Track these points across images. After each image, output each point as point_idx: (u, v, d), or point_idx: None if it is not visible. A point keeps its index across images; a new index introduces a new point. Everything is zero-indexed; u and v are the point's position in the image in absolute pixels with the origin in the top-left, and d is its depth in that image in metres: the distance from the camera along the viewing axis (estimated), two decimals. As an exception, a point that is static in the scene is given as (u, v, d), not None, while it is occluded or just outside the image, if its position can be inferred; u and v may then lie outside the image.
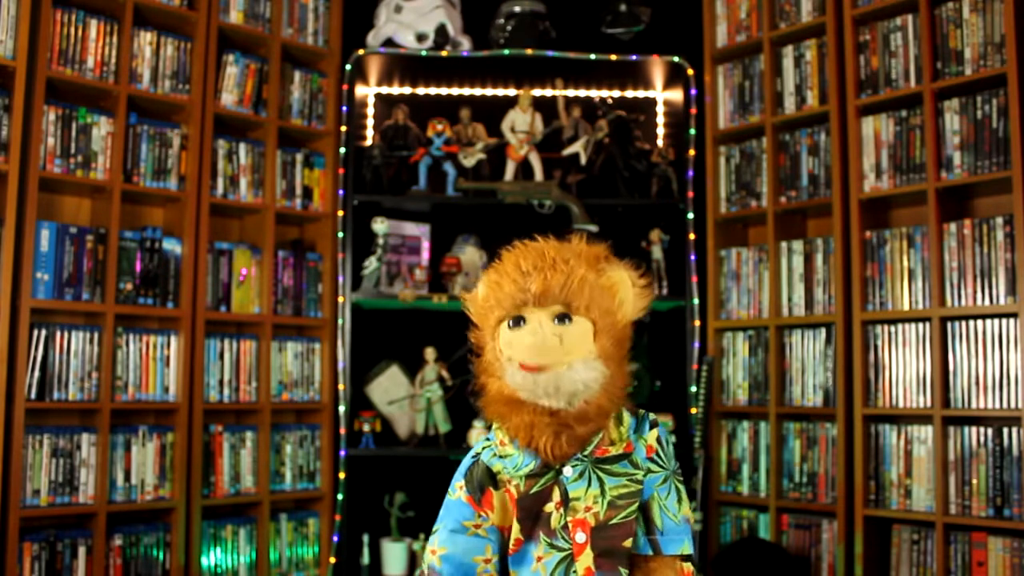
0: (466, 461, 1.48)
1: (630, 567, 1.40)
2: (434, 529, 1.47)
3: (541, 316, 1.36)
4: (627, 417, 1.45)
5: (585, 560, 1.37)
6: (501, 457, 1.44)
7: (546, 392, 1.34)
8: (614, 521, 1.38)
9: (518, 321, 1.37)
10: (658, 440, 1.46)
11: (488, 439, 1.48)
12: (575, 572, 1.38)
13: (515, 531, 1.41)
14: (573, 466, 1.40)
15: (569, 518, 1.38)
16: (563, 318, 1.36)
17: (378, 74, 3.74)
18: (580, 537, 1.38)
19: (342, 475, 3.38)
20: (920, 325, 3.08)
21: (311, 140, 3.68)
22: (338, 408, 3.46)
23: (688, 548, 1.43)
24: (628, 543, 1.38)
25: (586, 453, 1.40)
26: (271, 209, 3.48)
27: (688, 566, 1.45)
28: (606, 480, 1.40)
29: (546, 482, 1.40)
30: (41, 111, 2.97)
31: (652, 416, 1.49)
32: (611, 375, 1.38)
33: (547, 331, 1.35)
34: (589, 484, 1.39)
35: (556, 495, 1.40)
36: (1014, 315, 2.87)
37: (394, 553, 3.42)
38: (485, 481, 1.44)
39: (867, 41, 3.26)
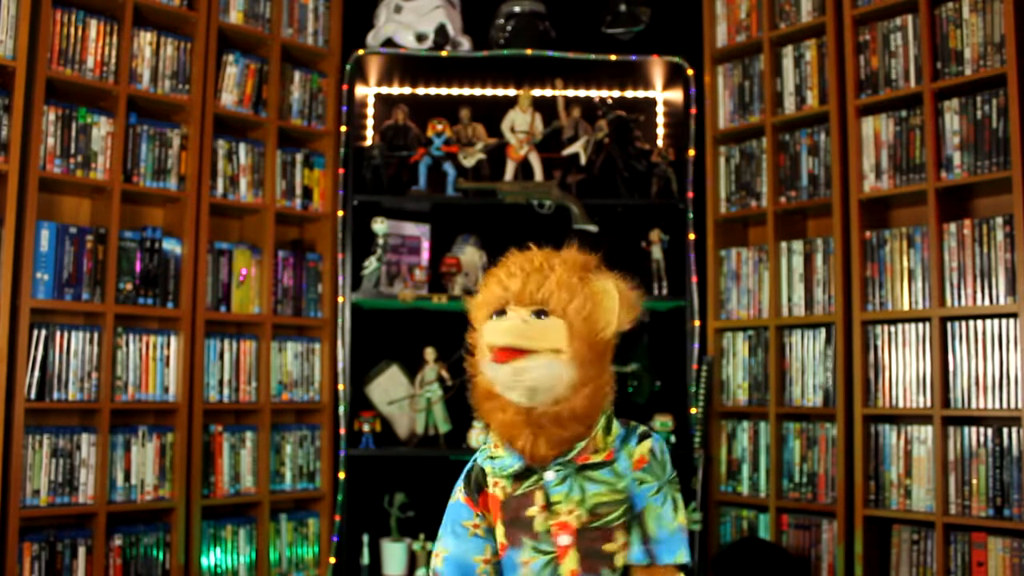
0: (468, 465, 1.55)
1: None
2: (440, 534, 1.53)
3: (520, 312, 1.40)
4: (616, 427, 1.47)
5: (569, 563, 1.41)
6: (492, 459, 1.49)
7: (507, 384, 1.38)
8: (595, 525, 1.42)
9: (500, 315, 1.42)
10: (651, 451, 1.46)
11: (486, 442, 1.54)
12: (560, 575, 1.41)
13: (499, 535, 1.46)
14: (556, 471, 1.43)
15: (552, 521, 1.42)
16: (539, 314, 1.40)
17: (378, 74, 3.74)
18: (564, 540, 1.41)
19: (342, 475, 3.38)
20: (920, 325, 3.08)
21: (311, 140, 3.68)
22: (338, 408, 3.46)
23: (684, 557, 1.44)
24: (608, 547, 1.41)
25: (568, 458, 1.42)
26: (271, 209, 3.48)
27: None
28: (587, 487, 1.43)
29: (530, 485, 1.44)
30: (41, 111, 2.97)
31: (644, 428, 1.50)
32: (584, 379, 1.40)
33: (519, 318, 1.39)
34: (571, 490, 1.42)
35: (539, 499, 1.43)
36: (1014, 315, 2.86)
37: (394, 553, 3.42)
38: (482, 482, 1.50)
39: (867, 41, 3.26)
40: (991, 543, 2.84)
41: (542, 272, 1.42)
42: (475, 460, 1.54)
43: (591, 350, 1.41)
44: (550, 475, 1.43)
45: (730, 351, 3.57)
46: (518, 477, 1.45)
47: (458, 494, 1.53)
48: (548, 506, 1.43)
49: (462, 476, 1.55)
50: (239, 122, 3.47)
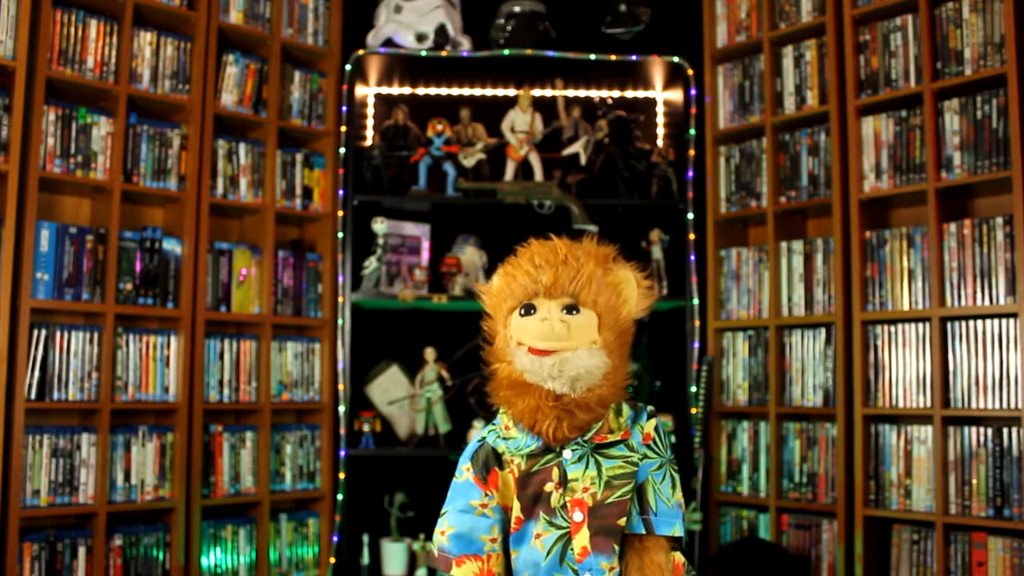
0: (472, 445, 1.56)
1: (623, 545, 1.47)
2: (443, 512, 1.54)
3: (551, 305, 1.46)
4: (626, 409, 1.54)
5: (582, 539, 1.45)
6: (505, 439, 1.52)
7: (550, 375, 1.42)
8: (610, 500, 1.45)
9: (529, 309, 1.47)
10: (656, 429, 1.54)
11: (494, 424, 1.56)
12: (572, 550, 1.45)
13: (516, 509, 1.49)
14: (573, 449, 1.48)
15: (568, 498, 1.46)
16: (571, 309, 1.46)
17: (378, 74, 3.74)
18: (578, 516, 1.45)
19: (342, 475, 3.38)
20: (920, 325, 3.08)
21: (311, 140, 3.68)
22: (338, 408, 3.46)
23: (679, 530, 1.51)
24: (622, 522, 1.45)
25: (586, 439, 1.48)
26: (271, 209, 3.48)
27: (678, 555, 1.52)
28: (603, 462, 1.48)
29: (546, 462, 1.48)
30: (41, 111, 2.97)
31: (650, 408, 1.57)
32: (613, 367, 1.47)
33: (555, 318, 1.44)
34: (587, 467, 1.47)
35: (555, 475, 1.47)
36: (1014, 315, 2.87)
37: (394, 553, 3.42)
38: (491, 461, 1.51)
39: (867, 41, 3.26)
40: (991, 543, 2.84)
41: (569, 264, 1.47)
42: (483, 441, 1.54)
43: (616, 338, 1.49)
44: (568, 453, 1.47)
45: (730, 351, 3.57)
46: (534, 455, 1.48)
47: (466, 474, 1.52)
48: (564, 483, 1.46)
49: (467, 455, 1.54)
50: (239, 122, 3.47)
